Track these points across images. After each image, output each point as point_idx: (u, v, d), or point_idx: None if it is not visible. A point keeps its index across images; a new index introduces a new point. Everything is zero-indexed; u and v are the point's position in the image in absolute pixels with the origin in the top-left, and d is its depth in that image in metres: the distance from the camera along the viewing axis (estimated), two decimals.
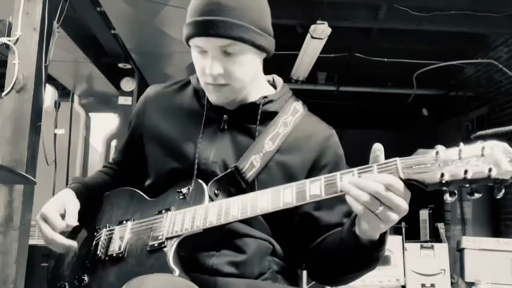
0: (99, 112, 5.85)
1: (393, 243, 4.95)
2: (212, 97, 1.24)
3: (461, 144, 0.93)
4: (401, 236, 5.05)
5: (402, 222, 5.44)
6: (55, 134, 4.88)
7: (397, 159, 0.96)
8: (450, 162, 0.92)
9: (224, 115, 1.26)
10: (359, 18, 4.98)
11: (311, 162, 1.24)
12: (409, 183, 0.95)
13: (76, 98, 5.77)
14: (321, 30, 4.60)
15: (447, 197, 0.93)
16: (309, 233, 1.23)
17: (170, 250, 1.11)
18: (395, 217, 0.96)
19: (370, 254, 1.08)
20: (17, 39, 2.75)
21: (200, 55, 1.19)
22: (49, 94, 5.11)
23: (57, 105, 5.26)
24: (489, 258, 4.27)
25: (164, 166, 1.27)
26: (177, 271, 1.06)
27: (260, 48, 1.20)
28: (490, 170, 0.88)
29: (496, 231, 5.85)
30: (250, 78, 1.24)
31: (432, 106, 7.22)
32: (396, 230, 6.17)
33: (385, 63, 5.90)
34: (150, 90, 1.41)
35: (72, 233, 1.34)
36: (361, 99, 7.25)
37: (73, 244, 1.24)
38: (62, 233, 1.25)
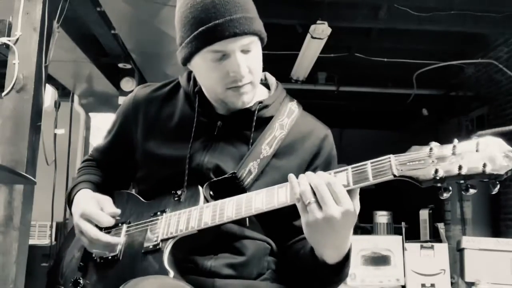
0: (99, 112, 5.84)
1: (393, 243, 4.95)
2: (236, 100, 1.20)
3: (455, 140, 0.92)
4: (401, 236, 5.05)
5: (402, 222, 5.44)
6: (55, 134, 4.87)
7: (391, 156, 0.96)
8: (444, 158, 0.91)
9: (219, 121, 1.25)
10: (359, 18, 4.98)
11: (306, 163, 1.24)
12: (404, 180, 0.95)
13: (76, 98, 5.77)
14: (321, 30, 4.60)
15: (442, 194, 0.93)
16: (285, 229, 1.22)
17: (165, 251, 1.11)
18: (319, 215, 0.96)
19: (323, 275, 1.08)
20: (17, 39, 2.74)
21: (216, 63, 1.15)
22: (49, 94, 5.10)
23: (57, 105, 5.25)
24: (489, 258, 4.26)
25: (157, 173, 1.26)
26: (172, 273, 1.06)
27: (264, 37, 1.20)
28: (484, 165, 0.87)
29: (496, 231, 5.85)
30: (261, 70, 1.24)
31: (432, 106, 7.22)
32: (396, 230, 6.18)
33: (385, 63, 5.91)
34: (139, 94, 1.36)
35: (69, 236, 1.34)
36: (361, 99, 7.25)
37: (119, 240, 1.19)
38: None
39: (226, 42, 1.12)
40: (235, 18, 1.11)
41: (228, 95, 1.19)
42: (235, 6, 1.12)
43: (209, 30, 1.11)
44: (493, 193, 0.90)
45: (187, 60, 1.20)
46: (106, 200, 1.25)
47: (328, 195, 0.97)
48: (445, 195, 0.92)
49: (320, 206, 0.97)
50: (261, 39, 1.20)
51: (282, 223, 1.19)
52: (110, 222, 1.21)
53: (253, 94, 1.23)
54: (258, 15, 1.19)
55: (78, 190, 1.31)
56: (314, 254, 1.07)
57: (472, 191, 0.91)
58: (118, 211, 1.23)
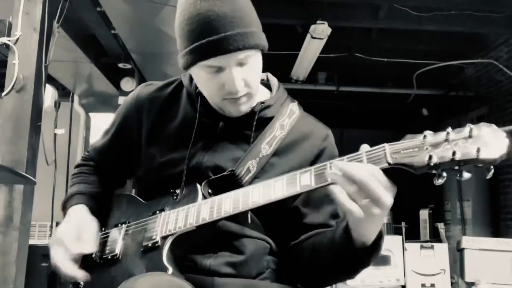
0: (99, 112, 5.84)
1: (393, 243, 4.95)
2: (233, 110, 1.21)
3: (449, 127, 0.92)
4: (401, 236, 5.05)
5: (402, 222, 5.44)
6: (55, 134, 4.87)
7: (385, 144, 0.96)
8: (438, 145, 0.92)
9: (220, 122, 1.25)
10: (359, 18, 4.99)
11: (309, 163, 1.22)
12: (399, 169, 0.94)
13: (76, 98, 5.77)
14: (321, 30, 4.60)
15: (437, 180, 0.93)
16: (293, 228, 1.22)
17: (164, 249, 1.11)
18: (377, 211, 0.94)
19: (361, 258, 1.07)
20: (17, 39, 2.75)
21: (212, 75, 1.15)
22: (49, 94, 5.09)
23: (57, 105, 5.25)
24: (489, 258, 4.26)
25: (158, 173, 1.26)
26: (170, 269, 1.06)
27: (264, 48, 1.20)
28: (478, 150, 0.87)
29: (496, 231, 5.85)
30: (259, 80, 1.24)
31: (432, 106, 7.22)
32: (396, 230, 6.18)
33: (385, 63, 5.90)
34: (142, 93, 1.36)
35: None
36: (361, 99, 7.24)
37: (84, 275, 1.18)
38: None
39: (220, 58, 1.11)
40: (230, 35, 1.09)
41: (225, 104, 1.20)
42: (231, 22, 1.10)
43: (202, 47, 1.11)
44: (488, 177, 0.89)
45: (185, 69, 1.21)
46: (89, 231, 1.23)
47: (382, 190, 0.93)
48: (440, 181, 0.92)
49: (374, 204, 0.94)
50: (262, 49, 1.19)
51: (290, 222, 1.20)
52: (77, 255, 1.19)
53: (250, 104, 1.23)
54: (258, 25, 1.18)
55: (71, 206, 1.30)
56: (349, 242, 1.04)
57: (466, 175, 0.90)
58: (90, 250, 1.21)
